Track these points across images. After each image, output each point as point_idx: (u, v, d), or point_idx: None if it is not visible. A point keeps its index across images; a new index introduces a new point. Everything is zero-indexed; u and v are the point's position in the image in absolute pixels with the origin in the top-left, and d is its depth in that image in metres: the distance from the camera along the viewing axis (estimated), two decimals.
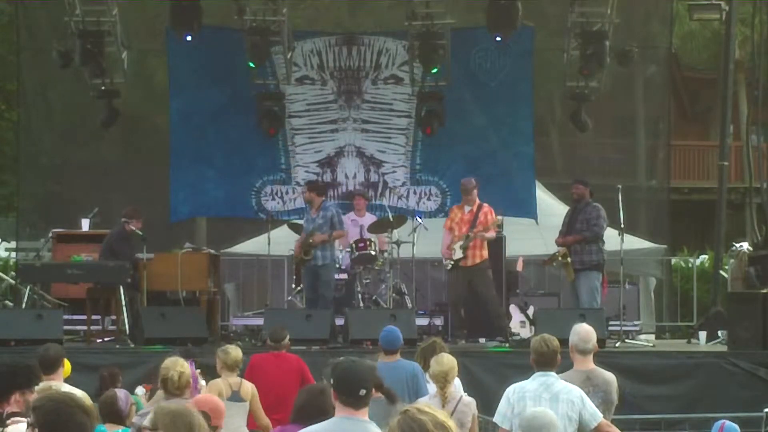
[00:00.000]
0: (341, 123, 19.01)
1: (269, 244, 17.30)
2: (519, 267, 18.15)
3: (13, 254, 22.27)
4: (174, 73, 19.08)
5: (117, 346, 15.39)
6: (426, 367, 10.03)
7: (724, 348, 15.81)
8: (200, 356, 13.49)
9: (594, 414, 8.30)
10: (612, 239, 16.35)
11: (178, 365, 8.69)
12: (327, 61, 18.93)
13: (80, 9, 17.55)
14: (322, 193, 16.81)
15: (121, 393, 8.76)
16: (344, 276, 17.17)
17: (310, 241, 16.19)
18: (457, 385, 9.74)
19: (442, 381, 9.25)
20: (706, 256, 23.49)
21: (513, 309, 16.82)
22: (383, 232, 17.07)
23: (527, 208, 18.77)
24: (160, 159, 19.04)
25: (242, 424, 10.48)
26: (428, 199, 18.93)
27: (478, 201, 16.19)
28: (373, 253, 16.79)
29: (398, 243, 16.88)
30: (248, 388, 10.64)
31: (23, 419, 6.00)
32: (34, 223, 20.18)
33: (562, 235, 16.43)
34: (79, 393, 7.07)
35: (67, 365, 9.81)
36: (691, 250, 25.50)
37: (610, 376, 9.00)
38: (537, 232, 18.79)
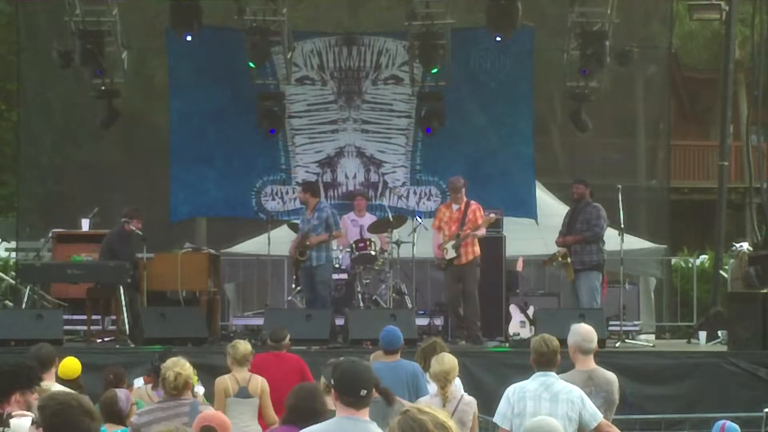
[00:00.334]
0: (341, 123, 19.02)
1: (269, 244, 17.31)
2: (519, 267, 18.15)
3: (13, 254, 22.27)
4: (174, 73, 19.08)
5: (117, 346, 15.39)
6: (426, 367, 10.03)
7: (724, 348, 15.81)
8: (200, 356, 13.56)
9: (594, 414, 8.30)
10: (612, 239, 16.35)
11: (177, 365, 8.67)
12: (327, 62, 18.94)
13: (80, 9, 17.55)
14: (317, 194, 16.79)
15: (121, 393, 8.77)
16: (344, 276, 17.17)
17: (307, 242, 16.18)
18: (457, 385, 9.73)
19: (443, 380, 9.25)
20: (706, 256, 23.49)
21: (513, 309, 16.81)
22: (383, 232, 17.08)
23: (527, 208, 18.78)
24: (160, 159, 19.04)
25: (251, 422, 10.44)
26: (428, 199, 18.93)
27: (465, 199, 16.17)
28: (373, 253, 16.80)
29: (398, 243, 16.88)
30: (257, 383, 10.60)
31: (28, 414, 6.00)
32: (34, 223, 20.17)
33: (562, 235, 16.43)
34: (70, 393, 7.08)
35: (77, 365, 9.80)
36: (691, 250, 25.50)
37: (612, 376, 9.00)
38: (537, 232, 18.79)
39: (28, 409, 6.31)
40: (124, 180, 19.57)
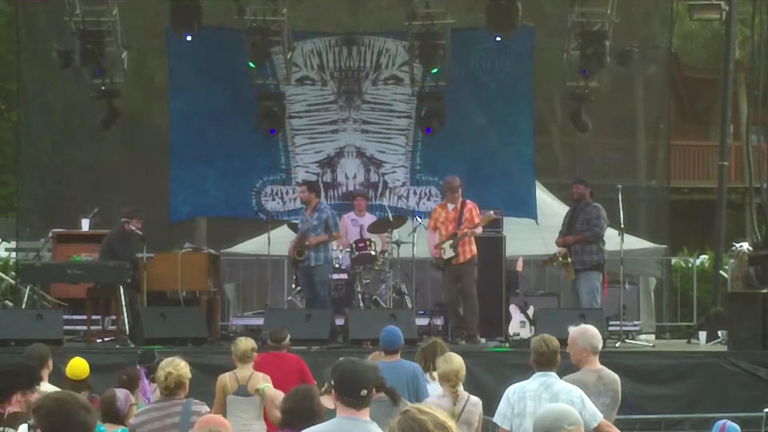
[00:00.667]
0: (341, 123, 19.03)
1: (269, 244, 17.31)
2: (519, 267, 18.15)
3: (13, 254, 22.26)
4: (174, 73, 19.08)
5: (117, 346, 15.39)
6: (426, 367, 10.03)
7: (724, 348, 15.81)
8: (200, 356, 13.57)
9: (594, 414, 8.30)
10: (612, 239, 16.35)
11: (170, 365, 8.67)
12: (327, 62, 18.94)
13: (80, 9, 17.55)
14: (318, 193, 16.83)
15: (120, 393, 8.77)
16: (344, 276, 17.17)
17: (306, 242, 16.17)
18: None
19: (454, 379, 9.22)
20: (706, 256, 23.48)
21: (513, 309, 16.81)
22: (383, 232, 17.08)
23: (527, 208, 18.78)
24: (160, 159, 19.05)
25: (252, 420, 10.40)
26: (428, 200, 18.93)
27: (461, 198, 16.16)
28: (373, 253, 16.80)
29: (398, 243, 16.89)
30: (257, 381, 10.57)
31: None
32: (34, 223, 20.17)
33: (562, 235, 16.43)
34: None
35: (85, 366, 9.78)
36: (691, 250, 25.50)
37: (616, 375, 9.07)
38: (537, 232, 18.79)
39: (29, 409, 6.31)
40: (124, 180, 19.57)
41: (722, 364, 14.81)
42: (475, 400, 9.38)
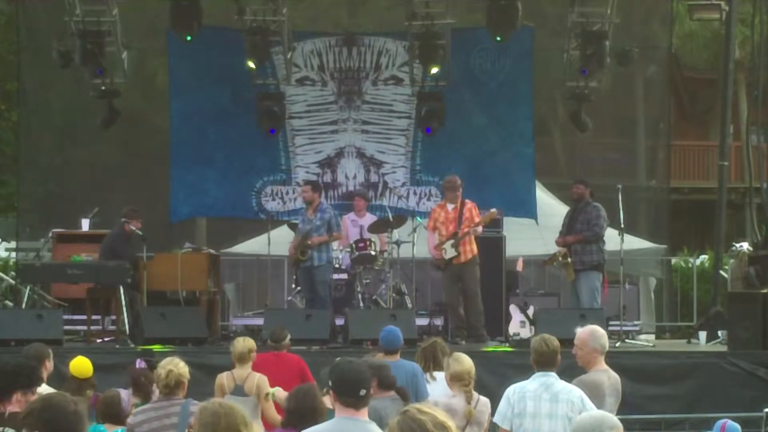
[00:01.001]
0: (341, 124, 19.03)
1: (269, 244, 17.31)
2: (519, 267, 18.15)
3: (13, 254, 22.26)
4: (174, 74, 19.09)
5: (117, 346, 15.38)
6: (427, 367, 10.03)
7: (724, 348, 15.80)
8: (200, 356, 13.56)
9: None
10: (612, 239, 16.35)
11: (171, 364, 8.67)
12: (327, 62, 18.95)
13: (80, 9, 17.55)
14: (321, 194, 16.85)
15: (123, 393, 8.78)
16: (344, 276, 17.17)
17: (308, 242, 16.17)
18: None
19: (467, 379, 9.20)
20: (706, 256, 23.48)
21: (513, 309, 16.81)
22: (383, 232, 17.08)
23: (527, 208, 18.78)
24: (160, 159, 19.05)
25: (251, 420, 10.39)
26: (428, 200, 18.93)
27: (461, 198, 16.16)
28: (373, 253, 16.80)
29: (398, 243, 16.89)
30: (254, 381, 10.55)
31: None
32: (34, 223, 20.17)
33: (562, 235, 16.43)
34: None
35: (89, 364, 9.77)
36: (691, 250, 25.50)
37: (617, 375, 9.11)
38: (537, 232, 18.79)
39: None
40: (124, 180, 19.57)
41: (722, 364, 14.80)
42: (485, 401, 9.37)
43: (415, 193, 19.06)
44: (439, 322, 16.95)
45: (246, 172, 18.94)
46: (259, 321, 16.46)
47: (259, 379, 10.57)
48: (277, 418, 10.34)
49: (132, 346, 15.26)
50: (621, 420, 9.29)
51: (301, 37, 18.92)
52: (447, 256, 15.91)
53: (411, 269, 17.50)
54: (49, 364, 9.22)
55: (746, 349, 15.06)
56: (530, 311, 16.76)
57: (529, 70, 18.90)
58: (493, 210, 16.37)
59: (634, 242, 18.42)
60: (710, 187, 24.05)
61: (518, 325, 16.75)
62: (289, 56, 18.49)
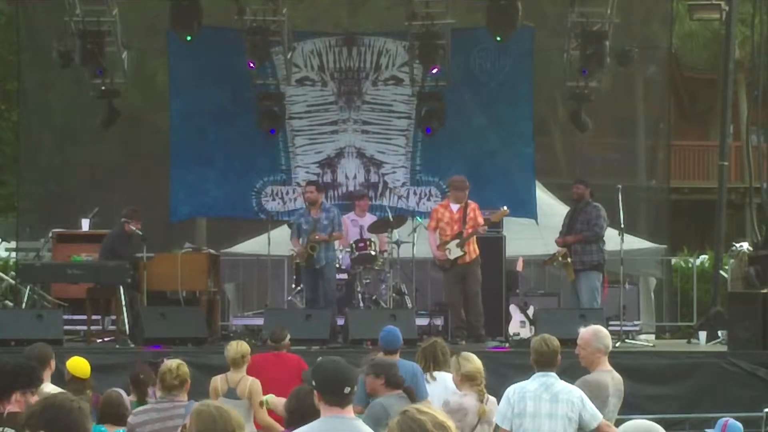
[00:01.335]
0: (341, 124, 19.03)
1: (269, 244, 17.30)
2: (519, 267, 18.15)
3: (13, 254, 22.26)
4: (174, 74, 19.09)
5: (117, 346, 15.38)
6: (427, 367, 10.02)
7: (724, 348, 15.80)
8: (200, 356, 13.56)
9: (594, 415, 8.31)
10: (612, 239, 16.35)
11: (175, 364, 8.71)
12: (327, 62, 18.95)
13: (80, 9, 17.55)
14: (324, 194, 16.89)
15: (124, 393, 8.80)
16: (344, 276, 17.16)
17: (317, 237, 16.11)
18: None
19: (479, 378, 9.21)
20: (706, 256, 23.48)
21: (513, 309, 16.81)
22: (383, 232, 17.07)
23: (527, 208, 18.77)
24: (160, 159, 19.05)
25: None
26: (428, 200, 18.94)
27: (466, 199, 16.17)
28: (373, 253, 16.79)
29: (398, 243, 16.88)
30: (246, 385, 10.58)
31: None
32: (34, 223, 20.17)
33: (562, 235, 16.43)
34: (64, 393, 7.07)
35: (87, 364, 9.78)
36: (691, 250, 25.50)
37: (620, 376, 9.12)
38: (537, 232, 18.78)
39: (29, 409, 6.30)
40: (124, 180, 19.57)
41: (722, 364, 14.81)
42: (494, 399, 9.38)
43: (415, 193, 19.06)
44: (439, 322, 16.94)
45: (246, 172, 18.93)
46: (259, 321, 16.46)
47: (252, 383, 10.60)
48: (269, 420, 10.37)
49: (132, 346, 15.26)
50: (621, 420, 9.33)
51: (301, 37, 18.92)
52: (452, 256, 15.88)
53: (411, 269, 17.49)
54: (53, 365, 9.24)
55: (746, 349, 15.07)
56: (530, 311, 16.76)
57: (529, 70, 18.90)
58: (505, 208, 16.35)
59: (634, 242, 18.41)
60: (710, 187, 24.05)
61: (518, 325, 16.75)
62: (289, 56, 18.49)
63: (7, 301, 18.86)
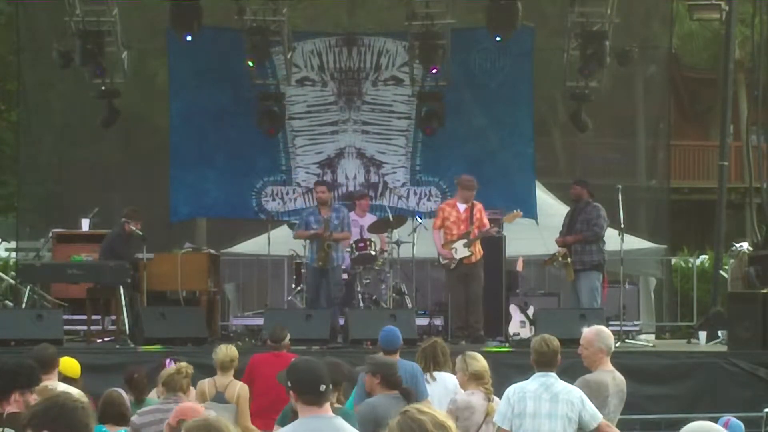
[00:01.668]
0: (341, 124, 19.03)
1: (269, 244, 17.31)
2: (519, 267, 18.15)
3: (13, 254, 22.27)
4: (174, 74, 19.09)
5: (117, 346, 15.39)
6: (427, 367, 10.02)
7: (724, 348, 15.81)
8: (200, 356, 13.55)
9: (594, 415, 8.31)
10: (612, 239, 16.35)
11: (183, 365, 8.76)
12: (327, 63, 18.94)
13: (80, 9, 17.55)
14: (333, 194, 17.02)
15: (125, 393, 8.81)
16: (344, 276, 17.16)
17: (332, 235, 16.07)
18: (455, 384, 9.75)
19: (486, 377, 9.25)
20: (706, 256, 23.48)
21: (513, 309, 16.81)
22: (383, 232, 17.07)
23: (527, 209, 18.74)
24: (160, 159, 19.05)
25: None
26: (428, 200, 18.94)
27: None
28: (373, 253, 16.79)
29: (398, 243, 16.88)
30: (235, 389, 10.60)
31: None
32: (34, 223, 20.17)
33: (562, 235, 16.43)
34: (75, 392, 7.08)
35: (76, 366, 9.79)
36: (691, 250, 25.50)
37: (622, 377, 9.13)
38: (537, 232, 18.78)
39: (27, 409, 6.30)
40: (124, 180, 19.57)
41: (722, 364, 14.80)
42: (497, 399, 9.39)
43: (415, 193, 19.06)
44: (439, 322, 16.95)
45: (246, 172, 18.93)
46: (259, 321, 16.47)
47: (241, 388, 10.64)
48: (249, 427, 10.40)
49: (132, 346, 15.27)
50: (621, 420, 9.35)
51: (301, 37, 18.92)
52: (458, 256, 15.85)
53: (411, 269, 17.49)
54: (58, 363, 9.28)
55: (746, 349, 15.07)
56: (530, 311, 16.76)
57: (529, 70, 18.90)
58: (518, 211, 16.37)
59: (634, 242, 18.41)
60: (710, 187, 24.06)
61: (518, 325, 16.75)
62: (289, 56, 18.48)
63: (7, 301, 18.87)
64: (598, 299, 16.03)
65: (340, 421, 5.72)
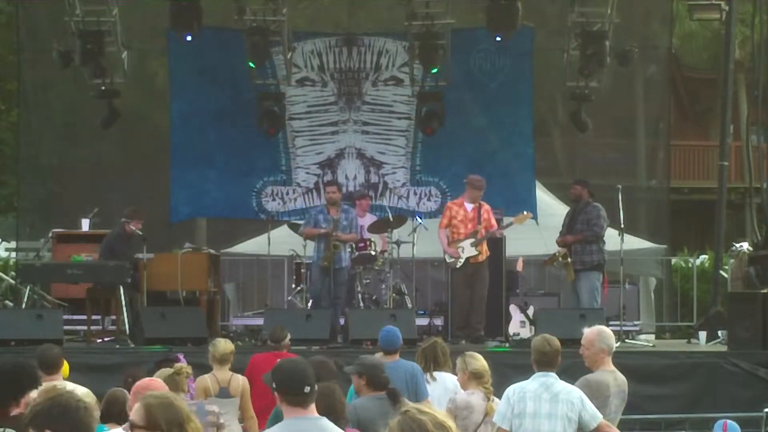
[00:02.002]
0: (341, 125, 19.03)
1: (269, 244, 17.32)
2: (519, 267, 18.14)
3: (13, 254, 22.27)
4: (174, 74, 19.09)
5: (117, 346, 15.39)
6: (427, 367, 10.03)
7: (724, 348, 15.81)
8: (200, 356, 13.55)
9: (594, 415, 8.31)
10: (612, 239, 16.35)
11: (182, 365, 8.79)
12: (327, 63, 18.94)
13: (80, 9, 17.55)
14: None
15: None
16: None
17: (339, 235, 16.07)
18: (455, 384, 9.75)
19: (486, 376, 9.25)
20: (706, 256, 23.48)
21: (513, 309, 16.81)
22: (383, 232, 17.08)
23: (527, 208, 18.69)
24: (160, 159, 19.05)
25: (232, 422, 10.48)
26: (428, 200, 18.94)
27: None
28: (373, 253, 16.80)
29: (398, 243, 16.89)
30: (238, 382, 10.70)
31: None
32: (34, 223, 20.17)
33: (562, 235, 16.43)
34: (82, 390, 7.08)
35: (65, 366, 9.80)
36: (691, 250, 25.51)
37: (624, 377, 9.13)
38: (537, 232, 18.77)
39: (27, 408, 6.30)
40: (124, 180, 19.57)
41: (722, 364, 14.81)
42: (497, 400, 9.40)
43: (415, 194, 19.06)
44: (439, 322, 16.96)
45: (246, 172, 18.93)
46: (259, 321, 16.48)
47: (244, 381, 10.74)
48: (253, 418, 10.49)
49: (132, 346, 15.27)
50: (621, 420, 9.34)
51: (301, 37, 18.92)
52: (465, 255, 15.85)
53: (411, 269, 17.49)
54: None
55: (746, 349, 15.07)
56: (530, 311, 16.76)
57: (529, 70, 18.90)
58: (527, 212, 16.37)
59: (634, 242, 18.42)
60: (710, 187, 24.07)
61: (518, 325, 16.75)
62: (289, 56, 18.48)
63: (7, 301, 18.87)
64: (598, 299, 16.03)
65: (326, 422, 5.71)
